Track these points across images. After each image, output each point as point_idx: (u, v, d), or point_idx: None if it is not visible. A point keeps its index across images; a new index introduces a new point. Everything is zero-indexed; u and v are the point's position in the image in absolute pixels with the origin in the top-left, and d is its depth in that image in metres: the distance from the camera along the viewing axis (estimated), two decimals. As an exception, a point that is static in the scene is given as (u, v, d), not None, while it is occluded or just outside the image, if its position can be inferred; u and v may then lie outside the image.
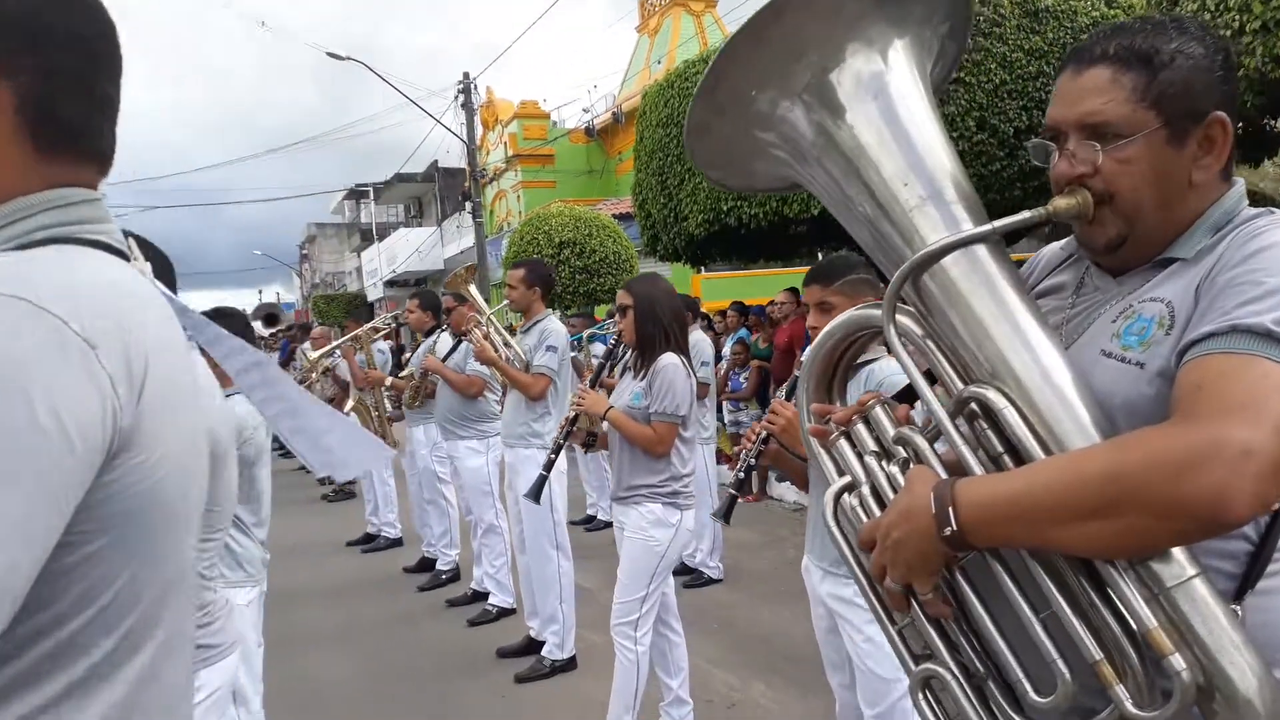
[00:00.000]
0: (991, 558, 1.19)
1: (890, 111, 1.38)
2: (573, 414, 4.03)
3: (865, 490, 1.36)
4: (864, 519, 1.33)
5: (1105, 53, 1.28)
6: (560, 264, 14.51)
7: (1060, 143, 1.31)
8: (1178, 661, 1.06)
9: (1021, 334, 1.25)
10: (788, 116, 1.42)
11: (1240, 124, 7.59)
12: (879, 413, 1.40)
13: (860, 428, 1.41)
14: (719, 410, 9.16)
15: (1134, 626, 1.09)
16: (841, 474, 1.42)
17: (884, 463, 1.35)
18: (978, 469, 1.21)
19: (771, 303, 9.34)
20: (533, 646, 4.90)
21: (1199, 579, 1.09)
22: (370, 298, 35.58)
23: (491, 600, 5.71)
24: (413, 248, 30.41)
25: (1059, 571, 1.15)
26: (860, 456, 1.39)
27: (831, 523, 1.41)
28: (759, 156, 1.50)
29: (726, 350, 9.51)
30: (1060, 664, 1.15)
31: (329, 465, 1.23)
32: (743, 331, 9.75)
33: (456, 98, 20.82)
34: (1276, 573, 1.23)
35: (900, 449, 1.34)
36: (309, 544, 8.13)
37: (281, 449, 14.51)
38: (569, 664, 4.74)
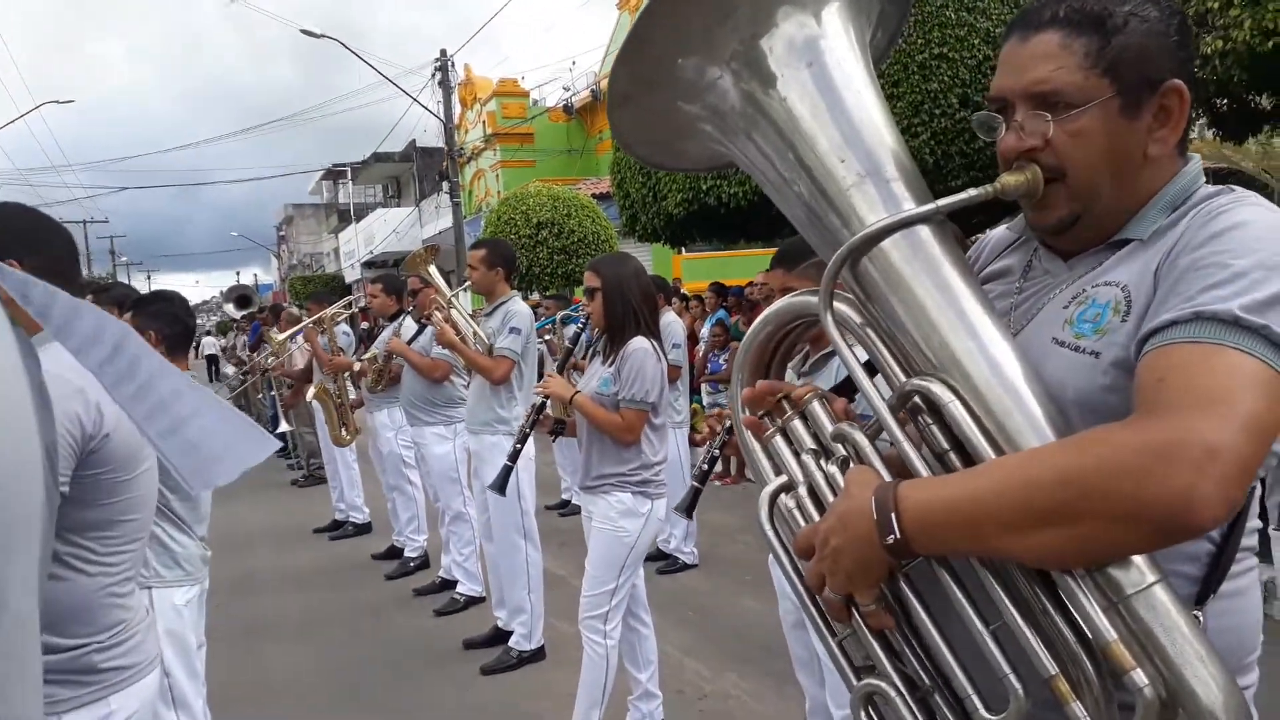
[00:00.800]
0: (938, 565, 1.10)
1: (825, 80, 1.27)
2: (539, 400, 3.87)
3: (802, 491, 1.26)
4: (801, 522, 1.24)
5: (1055, 16, 1.18)
6: (538, 245, 14.34)
7: (1007, 115, 1.22)
8: (1140, 677, 0.98)
9: (967, 322, 1.16)
10: (715, 86, 1.30)
11: (1226, 100, 7.48)
12: (816, 407, 1.29)
13: (797, 423, 1.31)
14: (698, 392, 9.04)
15: (1091, 638, 1.01)
16: (778, 473, 1.31)
17: (822, 461, 1.25)
18: (923, 470, 1.12)
19: (751, 284, 9.19)
20: (500, 637, 4.79)
21: (1160, 585, 1.01)
22: (348, 279, 35.25)
23: (459, 589, 5.59)
24: (390, 228, 30.08)
25: (1011, 579, 1.07)
26: (797, 455, 1.29)
27: (767, 526, 1.30)
28: (687, 131, 1.38)
29: (705, 332, 9.38)
30: (1013, 679, 1.06)
31: (202, 471, 1.03)
32: (721, 313, 9.61)
33: (433, 75, 20.51)
34: (1238, 574, 1.18)
35: (839, 446, 1.24)
36: (276, 531, 8.01)
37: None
38: (537, 654, 4.62)
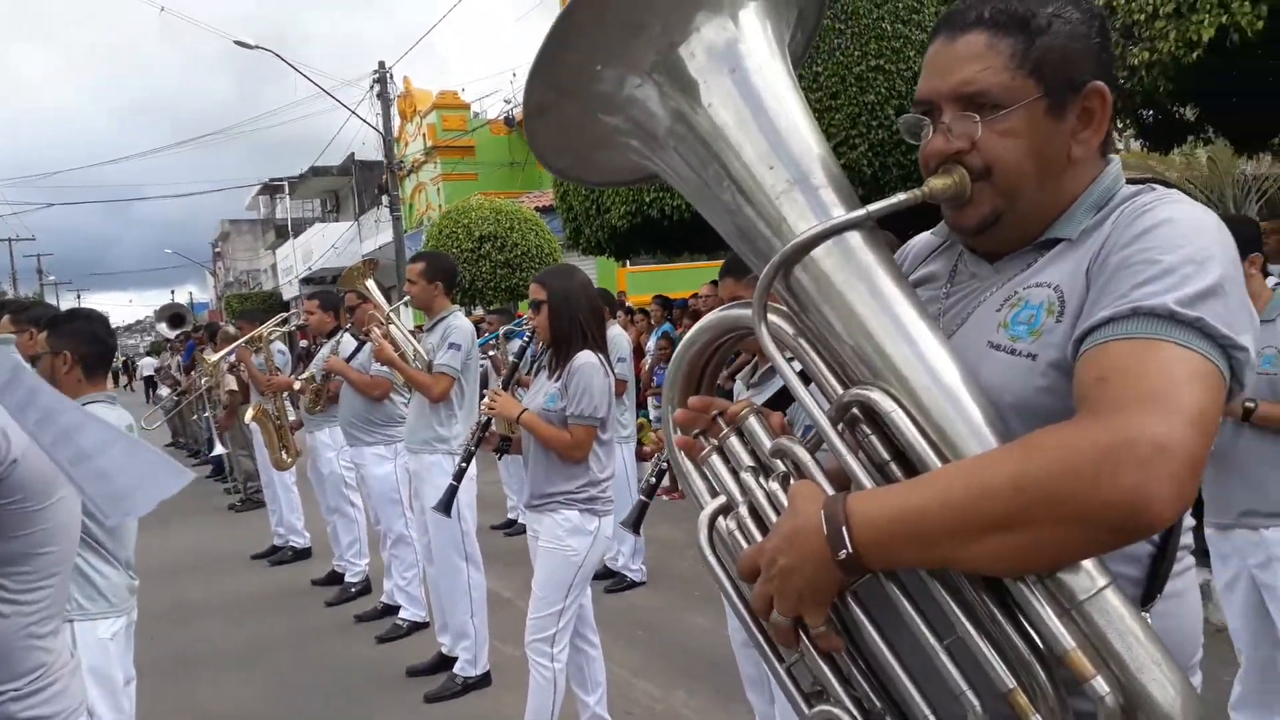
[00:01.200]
0: (888, 580, 1.07)
1: (749, 86, 1.24)
2: (484, 419, 3.77)
3: (743, 511, 1.21)
4: (743, 544, 1.19)
5: (980, 17, 1.17)
6: (480, 259, 14.22)
7: (934, 117, 1.20)
8: (1101, 685, 0.96)
9: (903, 328, 1.13)
10: (637, 96, 1.26)
11: (1152, 111, 7.67)
12: (753, 423, 1.25)
13: (734, 441, 1.27)
14: (644, 406, 8.99)
15: (1044, 648, 0.99)
16: (715, 494, 1.27)
17: (762, 479, 1.21)
18: (868, 482, 1.09)
19: (695, 295, 9.18)
20: (444, 663, 4.67)
21: (1111, 589, 0.99)
22: (286, 296, 34.57)
23: (402, 614, 5.45)
24: (329, 244, 29.57)
25: (962, 591, 1.04)
26: (736, 473, 1.25)
27: (708, 550, 1.25)
28: (606, 143, 1.34)
29: (651, 345, 9.34)
30: (970, 695, 1.04)
31: (117, 501, 0.97)
32: (667, 325, 9.59)
33: (372, 88, 20.27)
34: (1178, 574, 1.17)
35: (779, 462, 1.19)
36: (212, 558, 7.78)
37: (192, 454, 13.93)
38: (482, 680, 4.52)
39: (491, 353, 7.32)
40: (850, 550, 1.01)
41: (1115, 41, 5.84)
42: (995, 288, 1.23)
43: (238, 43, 18.92)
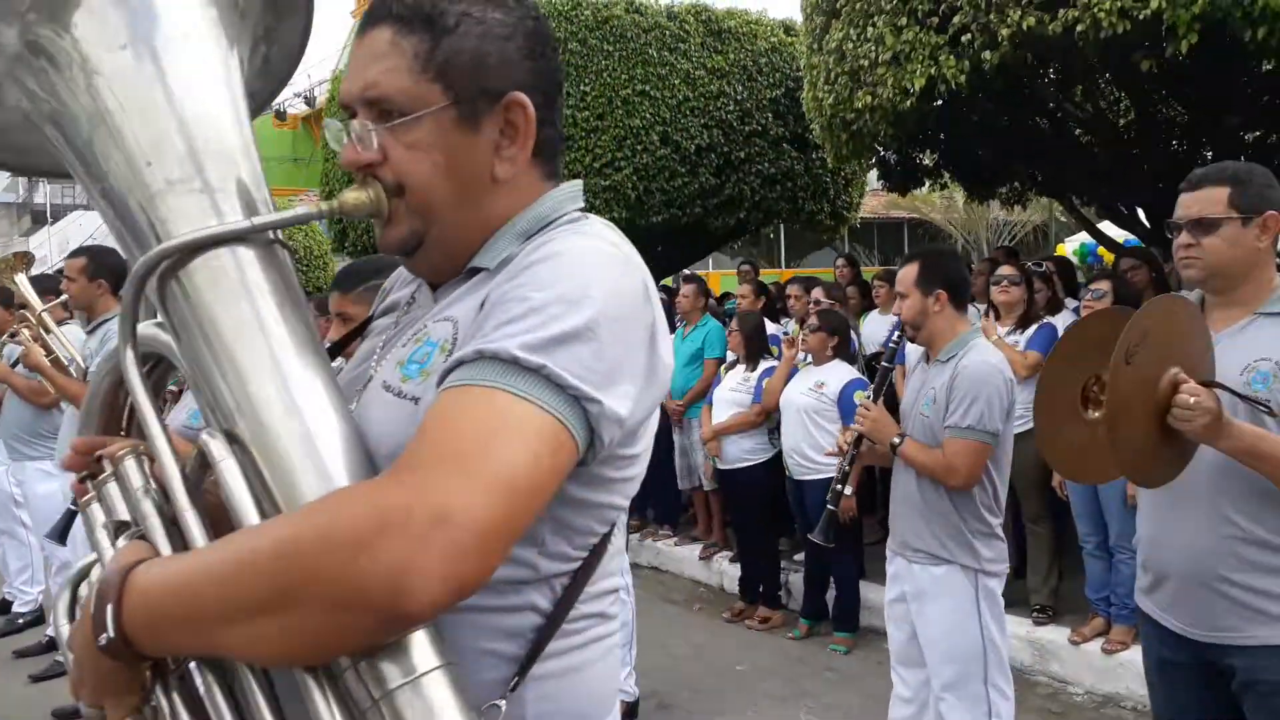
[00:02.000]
0: (204, 665, 0.89)
1: (146, 68, 1.06)
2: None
3: (94, 575, 1.03)
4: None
5: (389, 10, 1.03)
6: (241, 258, 13.36)
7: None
8: None
9: (273, 359, 0.97)
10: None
11: (894, 155, 8.11)
12: (129, 466, 1.03)
13: (111, 488, 1.05)
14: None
15: None
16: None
17: (123, 537, 0.99)
18: (202, 540, 0.90)
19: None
20: (98, 705, 4.15)
21: (439, 673, 0.83)
22: (40, 287, 31.46)
23: (66, 649, 4.85)
24: (87, 233, 27.10)
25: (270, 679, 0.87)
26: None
27: (63, 619, 1.07)
28: None
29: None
30: None
31: None
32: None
33: (140, 69, 18.81)
34: (570, 649, 1.02)
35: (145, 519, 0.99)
36: None
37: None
38: (136, 724, 4.04)
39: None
40: (112, 635, 0.82)
41: (844, 84, 6.09)
42: (420, 320, 1.09)
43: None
